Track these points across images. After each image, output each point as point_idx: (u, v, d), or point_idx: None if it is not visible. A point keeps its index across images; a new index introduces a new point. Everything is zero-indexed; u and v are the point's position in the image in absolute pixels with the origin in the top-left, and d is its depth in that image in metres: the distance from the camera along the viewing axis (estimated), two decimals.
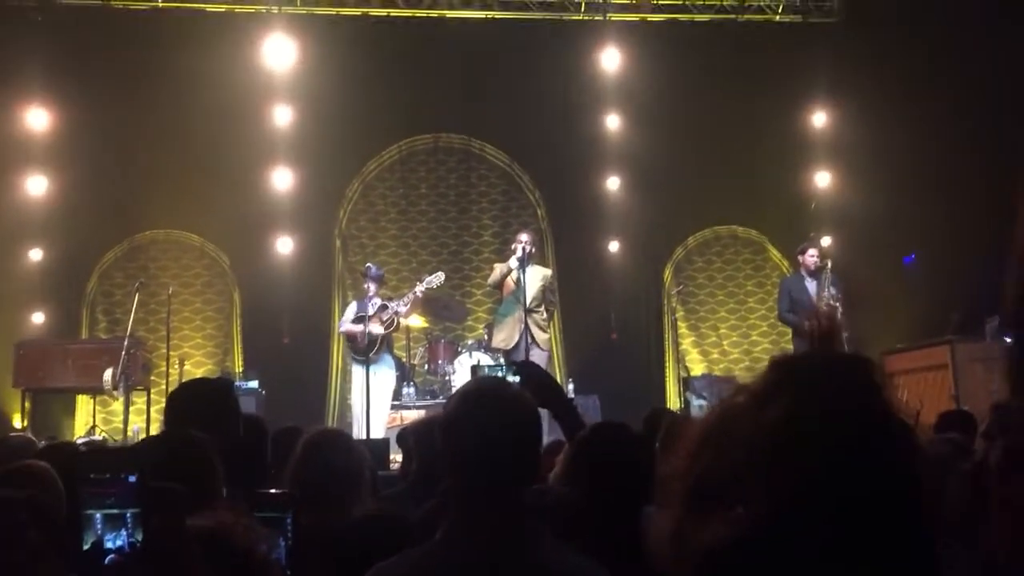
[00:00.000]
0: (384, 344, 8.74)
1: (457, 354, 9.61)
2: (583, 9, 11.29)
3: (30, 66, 9.99)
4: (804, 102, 11.11)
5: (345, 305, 9.65)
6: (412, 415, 8.73)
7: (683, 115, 10.68)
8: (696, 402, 9.61)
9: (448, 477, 2.03)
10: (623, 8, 11.43)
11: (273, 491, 2.23)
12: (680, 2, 11.45)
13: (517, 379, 2.87)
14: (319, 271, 10.90)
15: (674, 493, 0.90)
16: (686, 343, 11.28)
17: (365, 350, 8.55)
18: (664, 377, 11.16)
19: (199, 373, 9.87)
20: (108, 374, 8.65)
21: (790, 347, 9.26)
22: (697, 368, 11.12)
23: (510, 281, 8.65)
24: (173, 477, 1.33)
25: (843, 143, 10.95)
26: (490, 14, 11.21)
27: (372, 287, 8.83)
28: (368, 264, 9.44)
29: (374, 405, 8.32)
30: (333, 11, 11.01)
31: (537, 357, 8.20)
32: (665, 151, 10.69)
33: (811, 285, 8.70)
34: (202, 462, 2.13)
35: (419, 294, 8.74)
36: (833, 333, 0.97)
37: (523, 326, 8.40)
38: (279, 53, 10.27)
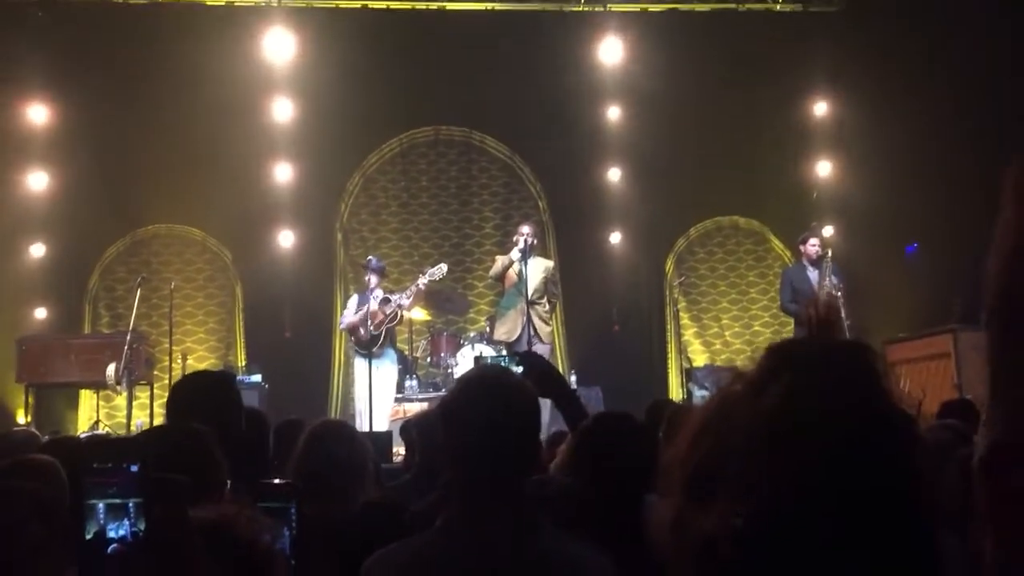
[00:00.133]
0: (387, 337, 8.75)
1: (459, 347, 9.62)
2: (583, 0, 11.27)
3: (31, 62, 9.99)
4: (805, 92, 11.09)
5: (347, 299, 9.66)
6: (415, 408, 8.74)
7: (684, 105, 10.65)
8: (698, 393, 9.61)
9: (449, 467, 2.03)
10: None
11: (276, 481, 2.24)
12: None
13: (520, 370, 2.87)
14: (321, 265, 10.91)
15: (674, 481, 0.90)
16: (688, 334, 11.29)
17: (368, 343, 8.56)
18: (666, 368, 11.17)
19: (202, 367, 9.87)
20: (111, 369, 8.66)
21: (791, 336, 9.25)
22: (699, 359, 11.12)
23: (512, 273, 8.64)
24: (175, 470, 1.33)
25: (844, 133, 10.94)
26: (490, 5, 11.18)
27: (373, 279, 8.84)
28: (369, 257, 9.44)
29: (377, 398, 8.33)
30: (333, 4, 11.00)
31: (540, 350, 8.19)
32: (666, 142, 10.68)
33: (813, 275, 8.69)
34: (204, 455, 2.13)
35: (422, 287, 8.74)
36: (832, 321, 0.97)
37: (525, 319, 8.40)
38: (279, 47, 10.26)
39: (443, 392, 9.00)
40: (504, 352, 8.63)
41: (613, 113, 10.88)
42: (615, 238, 11.06)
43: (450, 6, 11.17)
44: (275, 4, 10.52)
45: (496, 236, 11.13)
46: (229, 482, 2.22)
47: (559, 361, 10.44)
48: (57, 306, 10.30)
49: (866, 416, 0.87)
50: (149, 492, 1.17)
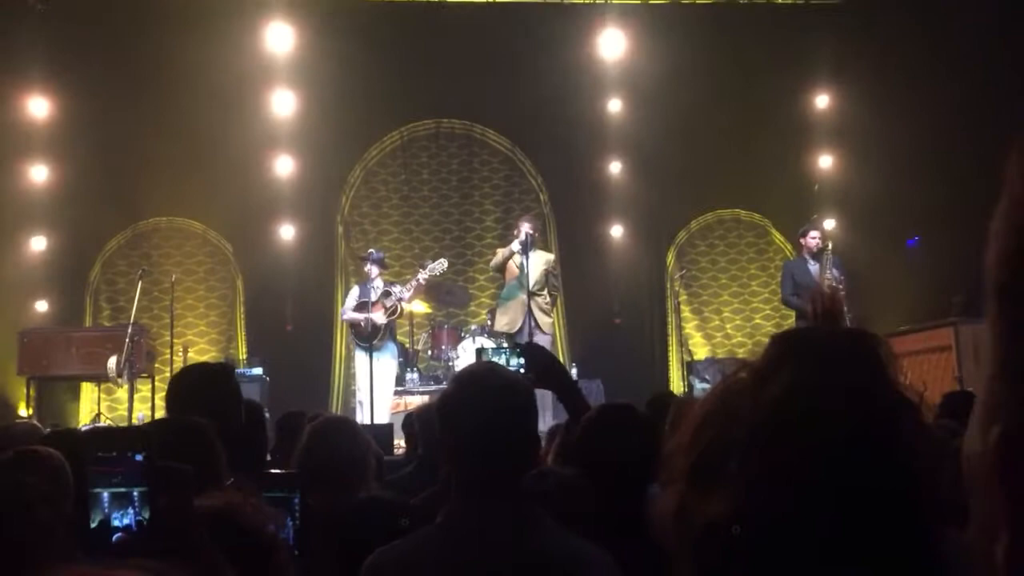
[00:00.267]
0: (387, 330, 8.76)
1: (460, 339, 9.62)
2: None
3: (32, 54, 9.98)
4: (806, 85, 11.07)
5: (347, 292, 9.66)
6: (416, 400, 8.75)
7: (685, 98, 10.64)
8: (699, 386, 9.62)
9: (447, 462, 2.03)
10: None
11: (281, 471, 2.24)
12: None
13: (522, 361, 2.87)
14: (322, 257, 10.91)
15: (677, 469, 0.90)
16: (689, 327, 11.28)
17: (368, 336, 8.57)
18: (667, 361, 11.17)
19: (203, 360, 9.89)
20: (112, 362, 8.67)
21: None
22: (700, 352, 11.12)
23: (513, 266, 8.65)
24: (177, 461, 1.33)
25: (845, 126, 10.92)
26: None
27: (374, 270, 8.84)
28: (370, 249, 9.44)
29: (377, 390, 8.34)
30: None
31: (541, 341, 8.20)
32: (668, 135, 10.67)
33: (814, 268, 8.68)
34: (204, 448, 2.13)
35: (422, 281, 8.74)
36: (836, 311, 0.97)
37: (526, 310, 8.40)
38: (279, 39, 10.25)
39: (444, 385, 9.01)
40: (505, 343, 8.64)
41: (614, 106, 10.87)
42: (616, 231, 11.06)
43: None
44: None
45: (497, 229, 11.13)
46: (232, 479, 2.23)
47: (560, 354, 10.43)
48: (58, 299, 10.30)
49: (871, 407, 0.87)
50: (154, 480, 1.17)
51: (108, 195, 10.33)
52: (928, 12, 9.46)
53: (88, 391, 10.06)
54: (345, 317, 9.12)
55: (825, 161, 11.21)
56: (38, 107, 10.12)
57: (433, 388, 9.28)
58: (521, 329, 8.43)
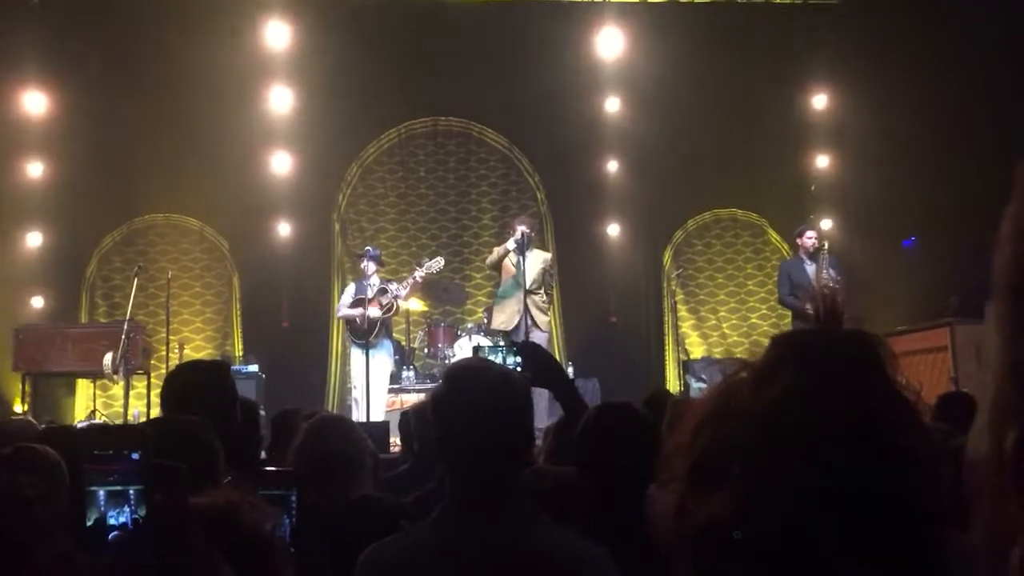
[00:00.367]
0: (383, 328, 8.75)
1: (457, 338, 9.62)
2: None
3: (27, 50, 9.96)
4: (804, 84, 11.07)
5: (344, 288, 9.66)
6: (412, 398, 8.74)
7: (683, 97, 10.64)
8: (695, 385, 9.62)
9: (441, 460, 2.03)
10: None
11: (277, 469, 2.24)
12: None
13: (518, 359, 2.86)
14: (318, 255, 10.90)
15: (677, 469, 0.90)
16: (685, 326, 11.28)
17: (364, 334, 8.56)
18: (664, 360, 11.17)
19: (199, 357, 9.87)
20: (108, 358, 8.65)
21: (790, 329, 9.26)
22: (696, 351, 11.12)
23: (510, 264, 8.64)
24: (173, 459, 1.33)
25: (842, 126, 10.93)
26: None
27: (371, 267, 8.82)
28: (367, 247, 9.44)
29: (373, 388, 8.34)
30: None
31: (537, 339, 8.20)
32: (665, 134, 10.67)
33: (810, 268, 8.69)
34: (201, 446, 2.13)
35: (418, 279, 8.74)
36: (837, 312, 0.96)
37: (523, 308, 8.40)
38: (277, 36, 10.24)
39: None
40: (501, 341, 8.63)
41: (612, 105, 10.86)
42: (613, 230, 11.06)
43: None
44: None
45: (494, 227, 11.12)
46: (229, 477, 2.22)
47: (556, 352, 10.44)
48: (54, 295, 10.28)
49: (871, 408, 0.87)
50: (150, 479, 1.16)
51: (104, 191, 10.32)
52: (926, 12, 9.47)
53: (84, 388, 10.04)
54: (340, 314, 9.11)
55: (822, 161, 11.21)
56: (34, 103, 10.10)
57: (429, 386, 9.27)
58: (517, 327, 8.43)
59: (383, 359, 8.82)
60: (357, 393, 8.73)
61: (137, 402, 9.30)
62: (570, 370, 9.40)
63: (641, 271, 11.32)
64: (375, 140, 11.24)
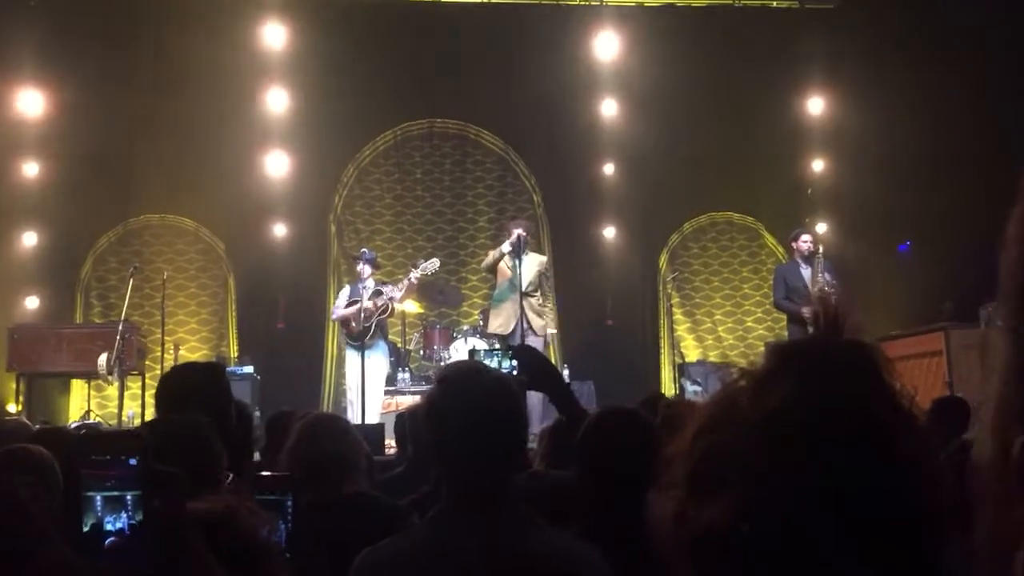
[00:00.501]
0: (378, 330, 8.73)
1: (452, 340, 9.61)
2: None
3: (24, 49, 9.94)
4: (800, 88, 11.09)
5: (339, 291, 9.65)
6: (407, 400, 8.74)
7: (679, 100, 10.66)
8: (691, 388, 9.62)
9: (435, 463, 2.03)
10: None
11: (274, 473, 2.23)
12: None
13: (514, 363, 2.86)
14: (314, 256, 10.89)
15: (676, 474, 0.90)
16: (681, 329, 11.29)
17: (359, 335, 8.54)
18: (659, 363, 11.18)
19: (194, 358, 9.87)
20: (103, 359, 8.64)
21: (785, 334, 9.28)
22: (692, 354, 11.13)
23: (505, 268, 8.64)
24: (175, 461, 1.33)
25: (839, 130, 10.94)
26: None
27: (366, 270, 8.81)
28: (362, 249, 9.43)
29: (368, 391, 8.33)
30: None
31: (532, 342, 8.20)
32: (661, 137, 10.67)
33: (806, 272, 8.70)
34: (205, 446, 2.12)
35: (413, 280, 8.72)
36: (838, 320, 0.96)
37: (519, 312, 8.40)
38: (274, 37, 10.24)
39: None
40: (497, 345, 8.63)
41: (608, 108, 10.87)
42: (609, 233, 11.07)
43: None
44: None
45: (490, 230, 11.12)
46: (231, 475, 2.22)
47: (552, 355, 10.43)
48: (49, 295, 10.25)
49: (869, 418, 0.87)
50: (147, 484, 1.16)
51: (100, 191, 10.30)
52: (922, 16, 9.49)
53: (78, 388, 10.02)
54: (336, 315, 9.11)
55: (818, 165, 11.23)
56: (30, 102, 10.07)
57: (424, 388, 9.26)
58: (513, 331, 8.42)
59: (378, 361, 8.81)
60: (352, 395, 8.72)
61: (131, 403, 9.27)
62: (566, 372, 9.40)
63: (637, 274, 11.33)
64: (371, 142, 11.24)
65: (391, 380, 9.34)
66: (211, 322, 10.80)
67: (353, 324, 8.65)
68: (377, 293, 8.66)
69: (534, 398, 7.00)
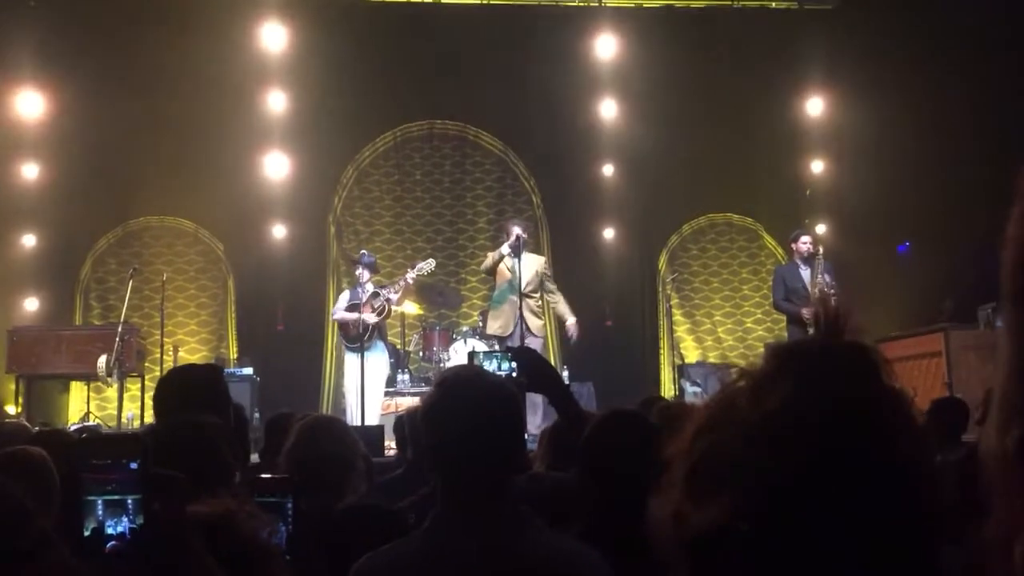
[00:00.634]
0: (376, 332, 8.73)
1: (452, 341, 9.61)
2: None
3: (23, 51, 9.95)
4: (799, 89, 11.10)
5: (339, 292, 9.64)
6: (406, 402, 8.74)
7: (678, 102, 10.67)
8: (691, 389, 9.63)
9: (433, 467, 2.03)
10: None
11: (273, 476, 2.23)
12: None
13: (513, 365, 2.86)
14: (313, 258, 10.89)
15: (675, 474, 0.91)
16: (681, 330, 11.29)
17: (356, 338, 8.54)
18: (659, 364, 11.18)
19: (193, 360, 9.87)
20: (102, 361, 8.64)
21: (784, 335, 9.29)
22: (692, 355, 11.13)
23: (504, 269, 8.64)
24: (184, 463, 1.33)
25: (838, 130, 10.95)
26: (486, 0, 11.17)
27: (365, 274, 8.81)
28: (362, 251, 9.43)
29: (368, 392, 8.33)
30: None
31: (531, 343, 8.21)
32: (660, 138, 10.67)
33: (805, 273, 8.70)
34: (215, 446, 2.12)
35: (410, 281, 8.73)
36: (838, 321, 0.97)
37: (518, 313, 8.40)
38: (273, 38, 10.24)
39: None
40: (496, 347, 8.64)
41: (607, 109, 10.88)
42: (608, 234, 11.07)
43: (446, 0, 11.15)
44: None
45: (489, 231, 11.12)
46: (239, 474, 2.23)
47: (551, 356, 10.43)
48: (48, 297, 10.25)
49: (868, 421, 0.87)
50: (148, 488, 1.16)
51: (99, 193, 10.30)
52: (921, 17, 9.49)
53: (78, 390, 10.02)
54: (336, 316, 9.11)
55: (817, 166, 11.24)
56: (29, 104, 10.07)
57: (424, 389, 9.26)
58: (512, 333, 8.43)
59: (378, 363, 8.80)
60: (351, 397, 8.72)
61: (131, 405, 9.27)
62: (565, 374, 9.40)
63: (636, 275, 11.34)
64: (371, 143, 11.24)
65: (391, 381, 9.34)
66: (210, 324, 10.80)
67: (352, 328, 8.66)
68: (374, 295, 8.66)
69: (534, 399, 7.00)
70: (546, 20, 11.08)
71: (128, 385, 9.13)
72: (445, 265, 10.54)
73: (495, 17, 11.08)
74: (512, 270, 8.51)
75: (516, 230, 8.54)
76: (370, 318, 8.54)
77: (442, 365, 9.44)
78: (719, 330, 11.44)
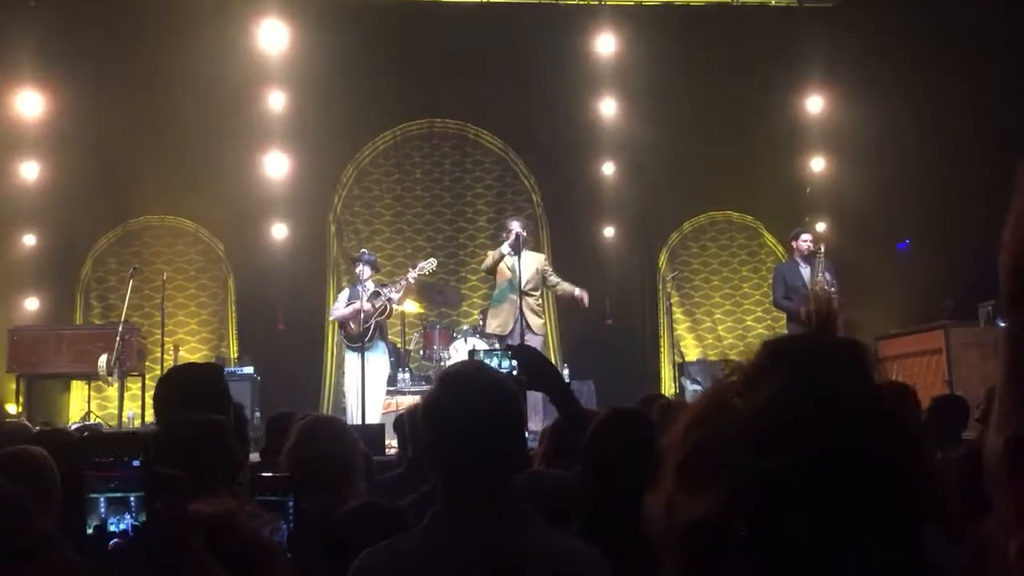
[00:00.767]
0: (377, 331, 8.73)
1: (452, 340, 9.62)
2: None
3: (23, 50, 9.95)
4: (799, 87, 11.10)
5: (339, 291, 9.64)
6: (407, 401, 8.74)
7: (678, 100, 10.67)
8: (691, 387, 9.63)
9: (433, 465, 2.03)
10: None
11: (275, 475, 2.24)
12: None
13: (514, 363, 2.86)
14: (314, 257, 10.89)
15: (667, 468, 0.91)
16: (681, 328, 11.29)
17: (358, 337, 8.54)
18: (659, 362, 11.19)
19: (194, 359, 9.88)
20: (103, 360, 8.65)
21: (785, 332, 9.29)
22: (692, 353, 11.14)
23: (504, 268, 8.65)
24: (190, 461, 1.33)
25: (838, 128, 10.95)
26: None
27: (366, 270, 8.81)
28: (362, 250, 9.44)
29: (369, 391, 8.33)
30: None
31: (532, 341, 8.21)
32: (660, 136, 10.68)
33: (805, 271, 8.71)
34: (224, 444, 2.13)
35: (411, 280, 8.73)
36: (831, 318, 0.97)
37: (518, 312, 8.41)
38: (273, 37, 10.23)
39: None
40: (497, 345, 8.64)
41: (607, 107, 10.88)
42: (609, 232, 11.07)
43: None
44: None
45: (489, 230, 11.12)
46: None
47: (552, 354, 10.44)
48: (48, 296, 10.26)
49: (857, 416, 0.88)
50: (150, 486, 1.17)
51: (100, 193, 10.30)
52: (921, 15, 9.48)
53: (78, 389, 10.02)
54: (334, 315, 9.11)
55: (817, 164, 11.24)
56: (29, 103, 10.07)
57: (424, 388, 9.26)
58: (512, 331, 8.43)
59: (378, 362, 8.81)
60: (351, 396, 8.72)
61: (131, 404, 9.27)
62: (565, 372, 9.40)
63: (637, 273, 11.34)
64: (371, 142, 11.24)
65: (391, 380, 9.34)
66: (211, 323, 10.81)
67: (352, 326, 8.66)
68: (375, 295, 8.66)
69: (535, 397, 7.01)
70: (546, 19, 11.08)
71: (129, 384, 9.13)
72: (445, 264, 10.54)
73: (495, 16, 11.08)
74: (512, 269, 8.51)
75: (516, 229, 8.54)
76: (369, 307, 8.52)
77: (442, 364, 9.45)
78: (719, 328, 11.44)
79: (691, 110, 10.70)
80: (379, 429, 7.30)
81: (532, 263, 8.72)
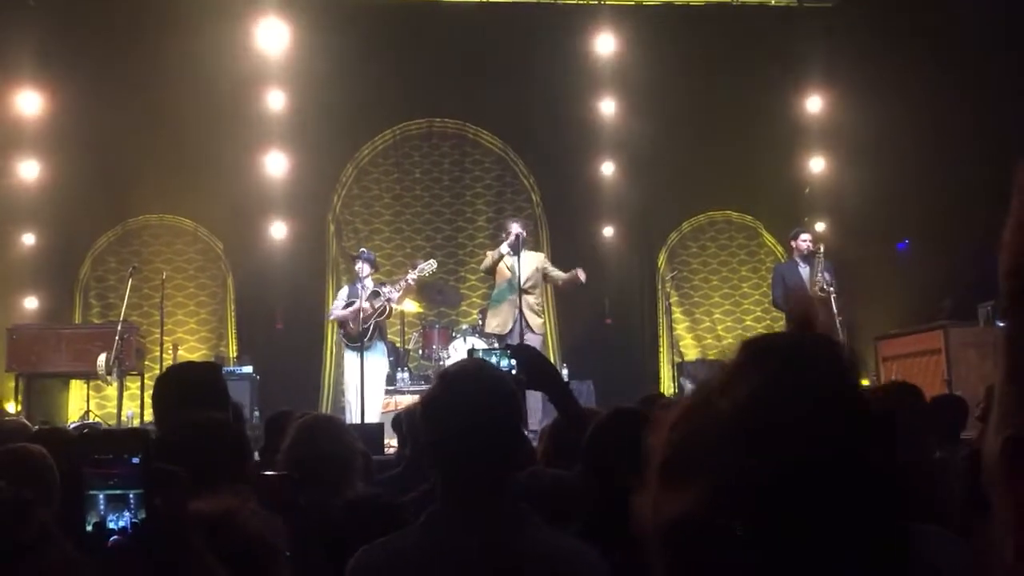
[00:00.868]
0: (376, 331, 8.73)
1: (451, 339, 9.62)
2: None
3: (23, 49, 9.95)
4: (799, 87, 11.11)
5: (338, 290, 9.64)
6: (406, 400, 8.74)
7: (678, 100, 10.67)
8: (690, 387, 9.63)
9: (432, 463, 2.03)
10: None
11: (275, 473, 2.24)
12: None
13: (513, 362, 2.86)
14: (313, 256, 10.89)
15: (651, 466, 0.92)
16: (680, 328, 11.30)
17: (357, 337, 8.54)
18: (658, 362, 11.19)
19: (193, 358, 9.87)
20: (102, 359, 8.65)
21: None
22: (691, 353, 11.14)
23: (504, 267, 8.65)
24: (193, 459, 1.33)
25: (838, 128, 10.95)
26: None
27: (365, 269, 8.80)
28: (362, 248, 9.44)
29: (368, 390, 8.33)
30: None
31: (531, 340, 8.21)
32: (660, 136, 10.69)
33: (804, 271, 8.71)
34: (229, 443, 2.13)
35: (411, 281, 8.73)
36: (810, 317, 0.98)
37: (517, 311, 8.41)
38: (273, 36, 10.23)
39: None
40: (496, 344, 8.64)
41: (607, 107, 10.88)
42: (608, 232, 11.08)
43: None
44: None
45: (489, 229, 11.13)
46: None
47: (551, 354, 10.44)
48: (48, 296, 10.26)
49: (830, 411, 0.88)
50: (150, 483, 1.17)
51: (99, 192, 10.30)
52: (921, 15, 9.48)
53: (77, 388, 10.02)
54: (333, 316, 9.11)
55: (817, 164, 11.24)
56: (28, 102, 10.08)
57: (423, 387, 9.27)
58: (512, 331, 8.44)
59: (377, 362, 8.81)
60: (350, 395, 8.72)
61: (130, 403, 9.27)
62: (565, 371, 9.40)
63: (636, 273, 11.35)
64: (370, 141, 11.24)
65: (390, 380, 9.35)
66: (210, 322, 10.81)
67: (351, 325, 8.66)
68: (375, 294, 8.66)
69: (534, 397, 7.01)
70: (546, 18, 11.09)
71: (128, 383, 9.13)
72: (444, 263, 10.54)
73: (495, 16, 11.07)
74: (512, 269, 8.51)
75: (515, 228, 8.55)
76: (368, 307, 8.52)
77: (441, 363, 9.45)
78: (718, 328, 11.44)
79: (691, 110, 10.71)
80: (378, 428, 7.30)
81: (532, 262, 8.73)
